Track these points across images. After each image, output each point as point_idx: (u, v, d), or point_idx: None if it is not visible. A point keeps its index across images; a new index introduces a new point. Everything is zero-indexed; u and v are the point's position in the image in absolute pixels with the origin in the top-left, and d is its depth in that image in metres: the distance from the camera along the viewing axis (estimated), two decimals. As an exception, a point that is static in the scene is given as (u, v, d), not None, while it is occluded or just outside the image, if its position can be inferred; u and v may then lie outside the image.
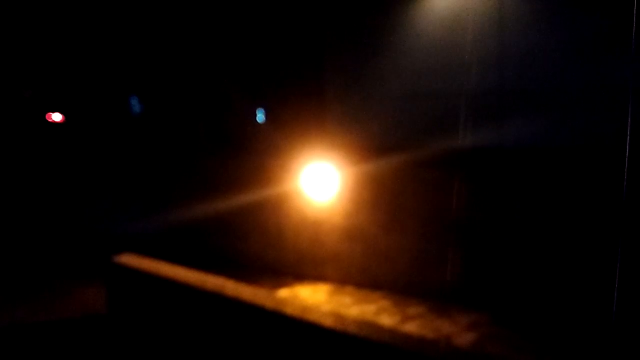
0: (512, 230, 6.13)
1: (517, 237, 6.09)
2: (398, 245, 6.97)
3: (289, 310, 3.58)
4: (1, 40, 11.81)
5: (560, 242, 5.82)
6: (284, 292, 7.05)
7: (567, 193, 5.82)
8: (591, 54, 6.22)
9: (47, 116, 12.70)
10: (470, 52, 7.25)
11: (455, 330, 5.54)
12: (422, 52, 7.66)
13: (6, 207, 11.19)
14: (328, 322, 3.34)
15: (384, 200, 7.08)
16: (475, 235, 6.37)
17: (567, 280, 5.77)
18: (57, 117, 12.65)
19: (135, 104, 11.99)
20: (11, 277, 8.10)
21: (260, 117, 10.06)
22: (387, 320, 5.86)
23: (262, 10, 9.49)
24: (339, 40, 8.51)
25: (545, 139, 6.60)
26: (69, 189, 11.41)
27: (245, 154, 9.05)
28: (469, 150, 6.93)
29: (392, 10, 7.79)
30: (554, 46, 6.59)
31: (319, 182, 7.55)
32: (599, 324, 5.46)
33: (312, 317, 3.43)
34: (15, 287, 7.56)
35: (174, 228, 9.53)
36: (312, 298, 6.93)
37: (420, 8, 7.48)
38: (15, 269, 8.53)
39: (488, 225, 6.30)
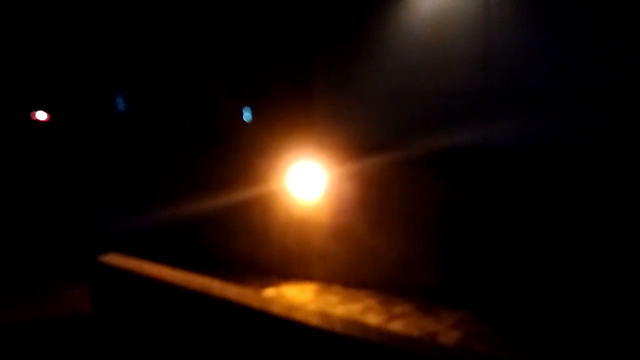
0: (497, 229, 6.19)
1: (502, 236, 6.15)
2: (384, 244, 7.00)
3: (276, 309, 3.59)
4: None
5: (544, 242, 5.88)
6: (270, 292, 7.05)
7: (548, 192, 5.88)
8: (580, 53, 6.29)
9: (31, 115, 12.56)
10: (456, 52, 7.30)
11: (441, 328, 5.57)
12: (409, 52, 7.69)
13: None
14: (314, 321, 3.35)
15: (370, 200, 7.11)
16: (461, 234, 6.41)
17: (551, 278, 5.84)
18: (41, 115, 12.52)
19: (120, 103, 11.91)
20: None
21: (247, 115, 10.04)
22: (373, 319, 5.88)
23: (250, 10, 9.47)
24: (326, 40, 8.51)
25: (530, 138, 6.67)
26: (55, 189, 11.30)
27: (232, 153, 9.03)
28: (454, 149, 6.98)
29: (379, 10, 7.81)
30: (541, 46, 6.65)
31: (306, 181, 7.56)
32: (584, 322, 5.53)
33: (299, 316, 3.44)
34: (1, 287, 7.49)
35: (161, 227, 9.49)
36: (298, 297, 6.94)
37: (407, 8, 7.51)
38: (1, 268, 8.44)
39: (473, 224, 6.35)
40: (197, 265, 6.21)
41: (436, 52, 7.45)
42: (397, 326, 5.65)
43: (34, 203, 11.31)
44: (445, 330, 5.53)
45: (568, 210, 5.75)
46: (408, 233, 6.85)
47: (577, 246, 5.68)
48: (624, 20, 5.96)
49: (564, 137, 6.37)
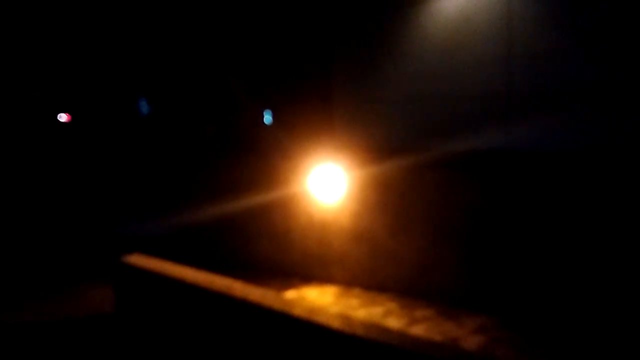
0: (521, 233, 6.10)
1: (526, 241, 6.07)
2: (405, 247, 6.96)
3: (297, 311, 3.58)
4: (12, 41, 11.90)
5: (570, 247, 5.78)
6: (291, 294, 7.05)
7: (576, 197, 5.79)
8: (605, 56, 6.19)
9: (58, 116, 12.81)
10: (478, 55, 7.24)
11: (463, 333, 5.52)
12: (430, 55, 7.65)
13: (16, 208, 11.26)
14: (336, 324, 3.34)
15: (391, 202, 7.07)
16: (483, 238, 6.34)
17: (577, 285, 5.74)
18: (63, 117, 12.75)
19: (144, 105, 12.06)
20: (22, 277, 8.16)
21: (267, 118, 10.08)
22: (394, 323, 5.85)
23: (272, 14, 9.51)
24: (347, 42, 8.52)
25: (554, 142, 6.58)
26: (79, 190, 11.47)
27: (253, 156, 9.07)
28: (475, 153, 6.92)
29: (400, 13, 7.79)
30: (565, 48, 6.56)
31: (327, 183, 7.55)
32: (608, 329, 5.43)
33: (320, 319, 3.43)
34: (26, 287, 7.62)
35: (183, 229, 9.57)
36: (319, 300, 6.93)
37: (429, 10, 7.48)
38: (26, 269, 8.60)
39: (496, 228, 6.27)
40: (219, 267, 6.23)
41: (457, 55, 7.40)
42: (418, 330, 5.61)
43: (57, 205, 11.48)
44: (467, 335, 5.47)
45: (591, 216, 5.65)
46: (429, 237, 6.81)
47: (603, 252, 5.58)
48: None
49: (588, 141, 6.27)
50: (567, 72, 6.53)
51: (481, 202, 6.39)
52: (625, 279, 5.45)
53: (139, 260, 5.21)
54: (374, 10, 8.12)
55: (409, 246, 6.93)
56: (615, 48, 6.07)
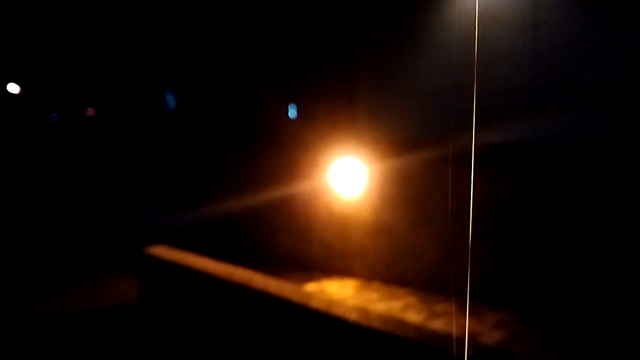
0: (543, 228, 6.04)
1: (548, 236, 6.00)
2: (425, 241, 6.94)
3: (315, 304, 3.63)
4: (40, 33, 12.13)
5: (595, 243, 5.71)
6: (311, 287, 7.10)
7: (601, 191, 5.70)
8: (632, 47, 6.08)
9: (85, 111, 13.03)
10: (503, 48, 7.16)
11: (482, 328, 5.49)
12: (453, 48, 7.58)
13: (42, 202, 11.52)
14: (353, 316, 3.37)
15: (411, 196, 7.06)
16: (505, 232, 6.29)
17: (599, 281, 5.66)
18: (89, 111, 12.97)
19: (170, 100, 12.22)
20: (50, 268, 8.38)
21: (292, 112, 10.13)
22: (413, 317, 5.85)
23: (296, 8, 9.53)
24: (370, 35, 8.49)
25: (581, 135, 6.48)
26: (105, 183, 11.68)
27: (275, 150, 9.13)
28: (500, 146, 6.85)
29: (423, 6, 7.74)
30: (591, 40, 6.45)
31: (347, 177, 7.57)
32: (631, 329, 5.35)
33: (337, 311, 3.47)
34: (54, 278, 7.83)
35: (206, 222, 9.68)
36: (338, 293, 6.96)
37: (452, 3, 7.41)
38: (54, 260, 8.81)
39: (518, 222, 6.22)
40: (240, 259, 6.30)
41: (483, 47, 7.31)
42: (437, 325, 5.60)
43: (84, 198, 11.72)
44: (486, 330, 5.44)
45: (617, 211, 5.56)
46: (450, 231, 6.77)
47: (629, 251, 5.49)
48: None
49: (616, 133, 6.17)
50: (595, 64, 6.42)
51: (503, 197, 6.33)
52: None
53: (162, 251, 5.31)
54: (397, 3, 8.09)
55: (429, 240, 6.91)
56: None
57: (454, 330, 5.29)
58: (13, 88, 13.61)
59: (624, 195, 5.52)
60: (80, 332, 5.88)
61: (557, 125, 6.71)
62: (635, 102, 6.00)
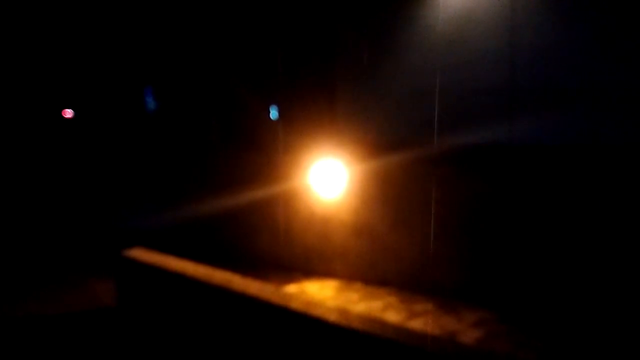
0: (520, 228, 6.12)
1: (525, 236, 6.08)
2: (405, 241, 6.98)
3: (294, 305, 3.62)
4: (13, 36, 11.93)
5: (569, 242, 5.79)
6: (292, 288, 7.09)
7: (571, 191, 5.79)
8: (605, 51, 6.18)
9: (62, 112, 12.85)
10: (481, 49, 7.23)
11: (461, 327, 5.54)
12: (432, 50, 7.64)
13: (20, 203, 11.33)
14: (332, 317, 3.37)
15: (391, 197, 7.10)
16: (483, 232, 6.36)
17: (576, 279, 5.75)
18: (67, 113, 12.79)
19: (150, 101, 12.11)
20: (26, 270, 8.24)
21: (274, 114, 10.12)
22: (393, 316, 5.88)
23: (277, 10, 9.52)
24: (350, 38, 8.51)
25: (554, 137, 6.58)
26: (83, 186, 11.53)
27: (256, 151, 9.10)
28: (477, 147, 6.92)
29: (403, 9, 7.78)
30: (567, 43, 6.55)
31: (328, 178, 7.58)
32: (607, 323, 5.45)
33: (317, 312, 3.46)
34: (31, 281, 7.70)
35: (185, 223, 9.61)
36: (319, 294, 6.97)
37: (431, 5, 7.47)
38: (30, 263, 8.67)
39: (496, 222, 6.29)
40: (221, 261, 6.28)
41: (460, 50, 7.39)
42: (417, 324, 5.64)
43: (61, 200, 11.55)
44: (465, 329, 5.50)
45: (592, 211, 5.65)
46: (430, 231, 6.83)
47: (602, 248, 5.59)
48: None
49: (591, 135, 6.27)
50: (570, 67, 6.52)
51: (481, 197, 6.40)
52: (623, 274, 5.46)
53: (140, 254, 5.26)
54: (377, 6, 8.12)
55: (409, 241, 6.95)
56: (621, 43, 6.06)
57: (433, 330, 5.34)
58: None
59: (595, 194, 5.62)
60: (58, 337, 5.79)
61: (533, 126, 6.80)
62: (611, 104, 6.11)
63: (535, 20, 6.77)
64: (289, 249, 8.19)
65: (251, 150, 9.20)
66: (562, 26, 6.58)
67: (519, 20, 6.89)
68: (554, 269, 5.88)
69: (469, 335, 5.32)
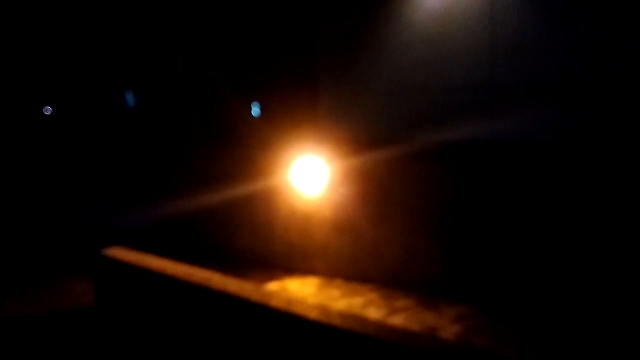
0: (500, 224, 6.18)
1: (504, 232, 6.14)
2: (387, 238, 7.01)
3: (275, 303, 3.61)
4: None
5: (547, 237, 5.87)
6: (273, 286, 7.08)
7: (547, 187, 5.86)
8: (583, 50, 6.27)
9: (43, 110, 12.70)
10: (461, 46, 7.28)
11: (442, 323, 5.59)
12: (413, 47, 7.68)
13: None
14: (313, 314, 3.37)
15: (373, 194, 7.11)
16: (464, 229, 6.41)
17: (553, 274, 5.83)
18: (46, 110, 12.64)
19: (130, 99, 12.00)
20: (1, 270, 8.09)
21: (256, 111, 10.08)
22: (374, 313, 5.90)
23: (258, 7, 9.48)
24: (332, 36, 8.52)
25: (535, 133, 6.66)
26: (60, 183, 11.38)
27: (236, 148, 9.06)
28: (458, 143, 6.97)
29: (384, 5, 7.80)
30: (546, 40, 6.62)
31: (309, 175, 7.57)
32: (586, 318, 5.53)
33: (298, 309, 3.46)
34: (5, 281, 7.56)
35: (165, 221, 9.54)
36: (301, 291, 6.97)
37: (412, 2, 7.50)
38: (5, 262, 8.52)
39: (476, 219, 6.34)
40: (201, 259, 6.24)
41: (442, 46, 7.44)
42: (398, 320, 5.67)
43: (38, 196, 11.38)
44: (446, 324, 5.54)
45: (569, 206, 5.73)
46: (411, 228, 6.86)
47: (579, 242, 5.67)
48: (625, 20, 5.94)
49: (569, 132, 6.36)
50: (550, 64, 6.60)
51: (460, 193, 6.45)
52: (601, 267, 5.55)
53: (119, 253, 5.19)
54: (358, 3, 8.13)
55: (390, 237, 6.98)
56: (593, 44, 6.15)
57: (414, 326, 5.37)
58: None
59: (575, 190, 5.69)
60: (35, 338, 5.70)
61: (514, 123, 6.88)
62: (591, 101, 6.20)
63: (515, 18, 6.84)
64: (270, 246, 8.17)
65: (232, 147, 9.16)
66: (539, 23, 6.66)
67: (499, 18, 6.96)
68: (531, 263, 5.95)
69: (450, 330, 5.36)
